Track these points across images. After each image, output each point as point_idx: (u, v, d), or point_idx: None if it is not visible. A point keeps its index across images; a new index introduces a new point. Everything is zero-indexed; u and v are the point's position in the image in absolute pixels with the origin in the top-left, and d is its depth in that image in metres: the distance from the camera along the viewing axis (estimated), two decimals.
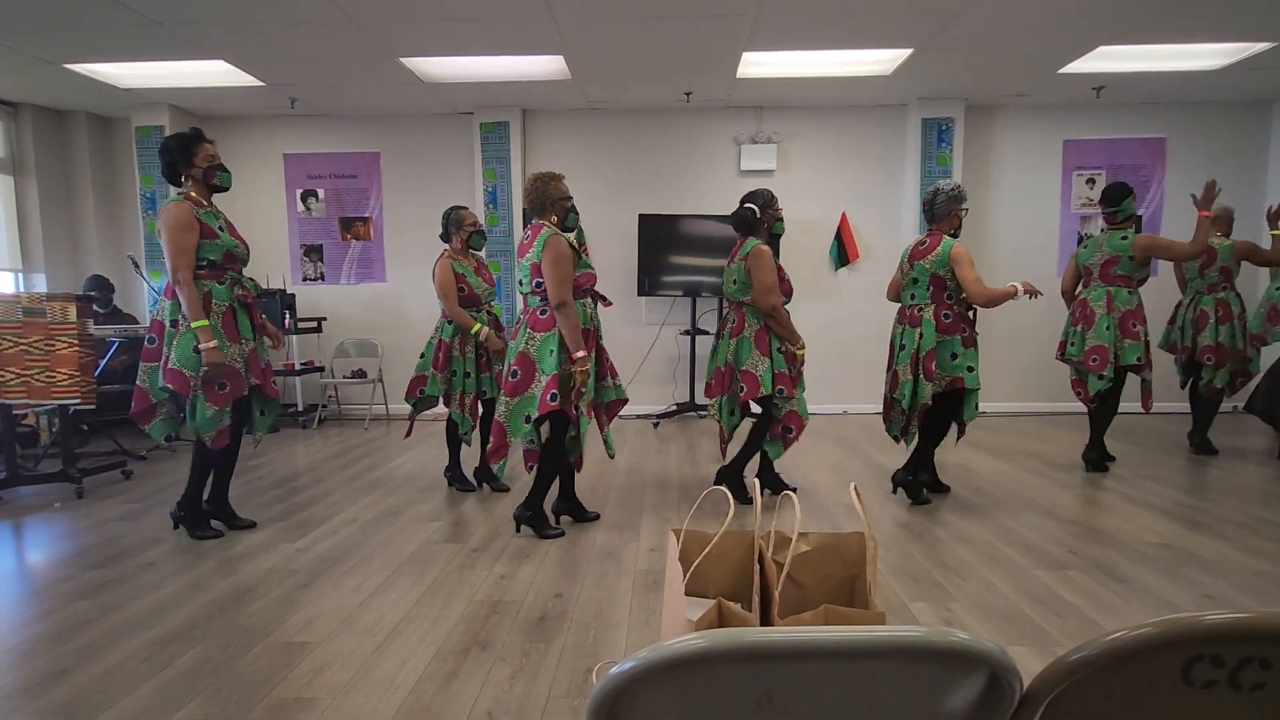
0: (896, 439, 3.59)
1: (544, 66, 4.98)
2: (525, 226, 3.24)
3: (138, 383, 2.98)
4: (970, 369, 3.37)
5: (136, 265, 5.58)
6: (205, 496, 3.19)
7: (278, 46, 4.52)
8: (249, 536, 3.16)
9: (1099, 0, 3.93)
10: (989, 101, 5.97)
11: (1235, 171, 6.06)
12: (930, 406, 3.39)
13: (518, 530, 3.19)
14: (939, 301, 3.39)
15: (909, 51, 4.74)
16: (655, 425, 5.77)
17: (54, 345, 3.62)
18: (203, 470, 3.11)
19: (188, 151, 2.89)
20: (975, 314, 3.47)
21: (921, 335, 3.37)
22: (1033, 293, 3.32)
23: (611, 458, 3.39)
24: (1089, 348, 3.98)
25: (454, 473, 3.93)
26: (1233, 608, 2.31)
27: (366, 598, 2.52)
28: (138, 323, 5.78)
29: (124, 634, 2.24)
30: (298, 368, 5.78)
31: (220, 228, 2.96)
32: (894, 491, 3.72)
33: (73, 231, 6.12)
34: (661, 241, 5.93)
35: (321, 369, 6.06)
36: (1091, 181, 6.12)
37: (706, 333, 6.07)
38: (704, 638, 0.70)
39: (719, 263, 5.94)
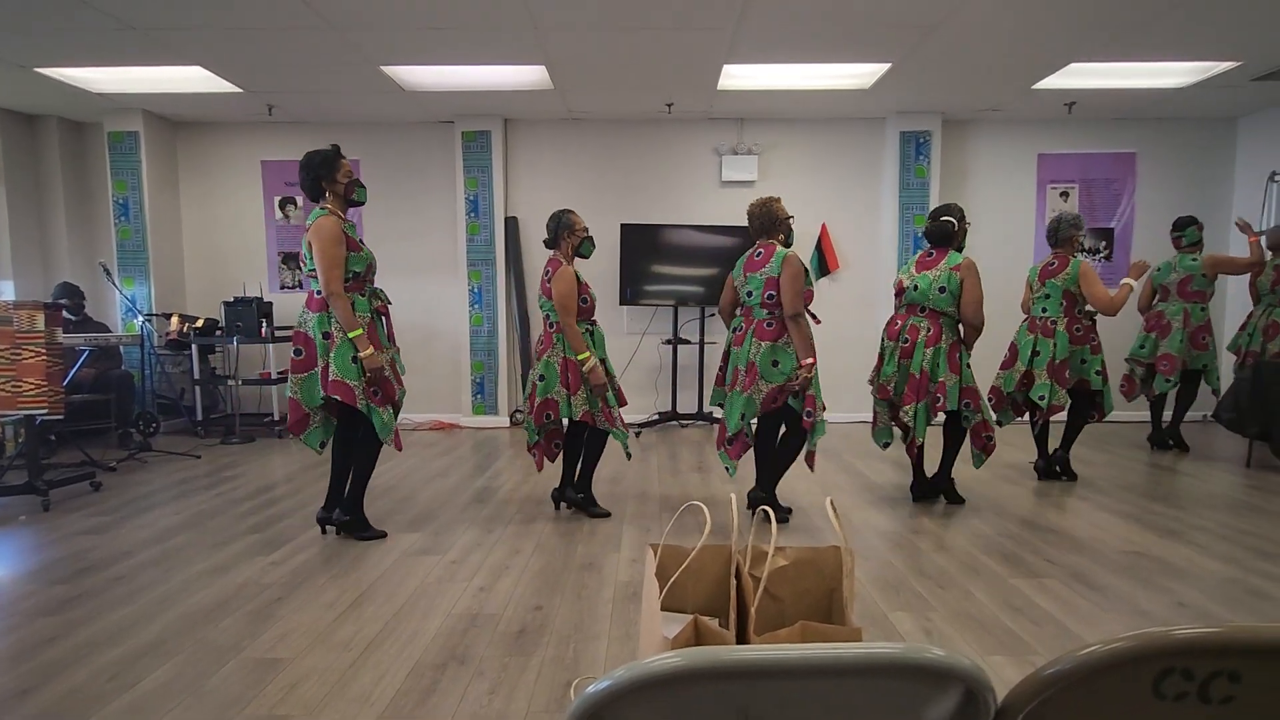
0: (999, 424, 4.08)
1: (525, 76, 4.98)
2: (747, 243, 3.42)
3: (289, 394, 3.04)
4: (1098, 372, 4.00)
5: (108, 273, 5.48)
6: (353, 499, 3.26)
7: (256, 53, 4.48)
8: (223, 550, 3.10)
9: (1070, 18, 4.02)
10: (965, 116, 6.07)
11: (1202, 186, 6.21)
12: (1064, 405, 4.00)
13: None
14: (1071, 315, 3.95)
15: (887, 66, 4.81)
16: (637, 434, 5.76)
17: (20, 354, 3.53)
18: (368, 473, 3.20)
19: (331, 167, 3.00)
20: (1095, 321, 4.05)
21: (1056, 345, 3.92)
22: (1142, 270, 3.88)
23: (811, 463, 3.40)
24: (1161, 354, 4.75)
25: (586, 495, 3.59)
26: (1203, 622, 2.36)
27: (342, 612, 2.47)
28: (109, 331, 5.68)
29: (90, 651, 2.18)
30: (274, 376, 5.70)
31: (360, 241, 3.06)
32: (1060, 477, 4.24)
33: (43, 238, 5.99)
34: (643, 251, 5.95)
35: None
36: (1065, 195, 6.24)
37: (688, 342, 6.09)
38: (680, 656, 0.69)
39: (701, 272, 5.98)
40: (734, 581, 0.89)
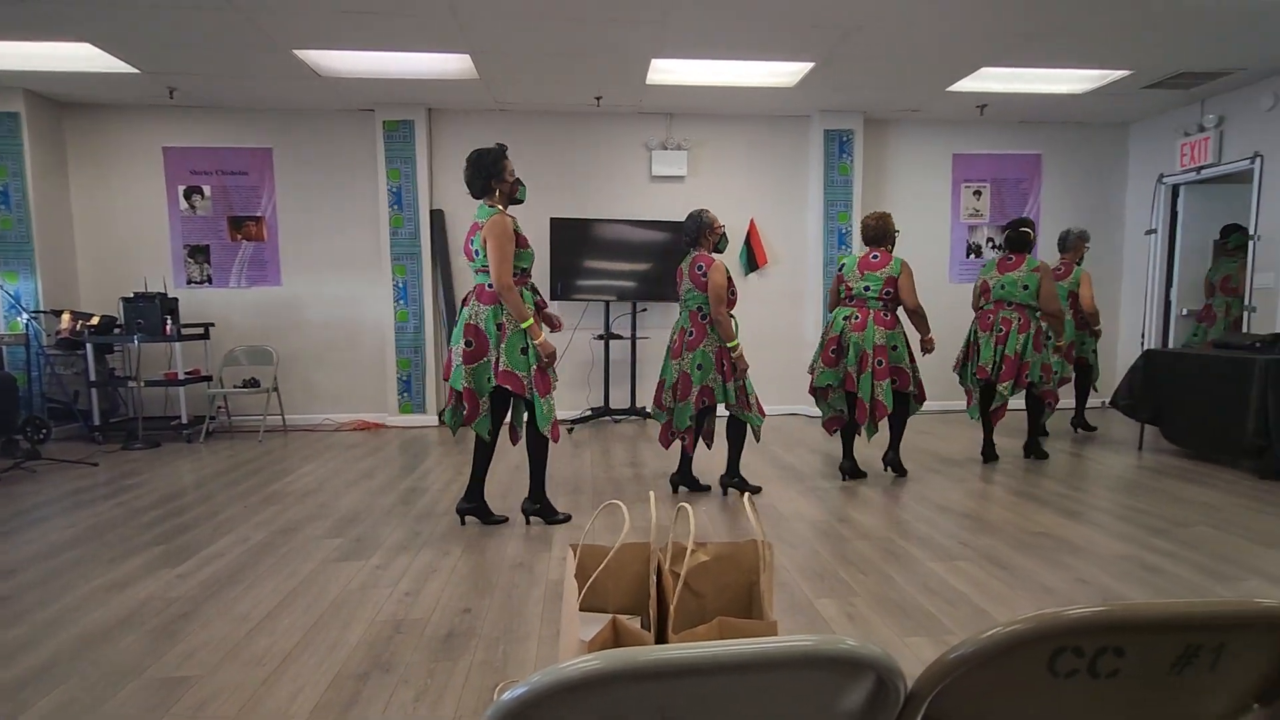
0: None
1: (449, 65, 4.85)
2: (871, 250, 4.03)
3: (465, 385, 3.11)
4: (1094, 350, 5.16)
5: None
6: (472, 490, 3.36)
7: (152, 30, 4.19)
8: (123, 564, 2.90)
9: (980, 24, 4.21)
10: (885, 115, 6.28)
11: (1100, 187, 6.64)
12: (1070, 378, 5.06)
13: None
14: (1074, 309, 4.97)
15: (811, 65, 4.91)
16: (570, 431, 5.72)
17: None
18: (544, 460, 3.32)
19: (499, 165, 3.12)
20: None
21: (1064, 331, 4.66)
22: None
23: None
24: (1208, 340, 5.43)
25: (740, 479, 3.85)
26: (1101, 597, 2.52)
27: (257, 624, 2.35)
28: None
29: None
30: (181, 377, 5.36)
31: (526, 238, 3.17)
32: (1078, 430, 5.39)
33: None
34: (574, 246, 5.90)
35: (208, 378, 5.65)
36: (978, 193, 6.55)
37: (620, 337, 6.09)
38: (597, 659, 0.68)
39: (632, 267, 5.98)
40: (654, 579, 0.89)
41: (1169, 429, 4.70)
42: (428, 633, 2.29)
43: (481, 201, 3.15)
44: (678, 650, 0.68)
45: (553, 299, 5.99)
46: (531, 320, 3.08)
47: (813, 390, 4.08)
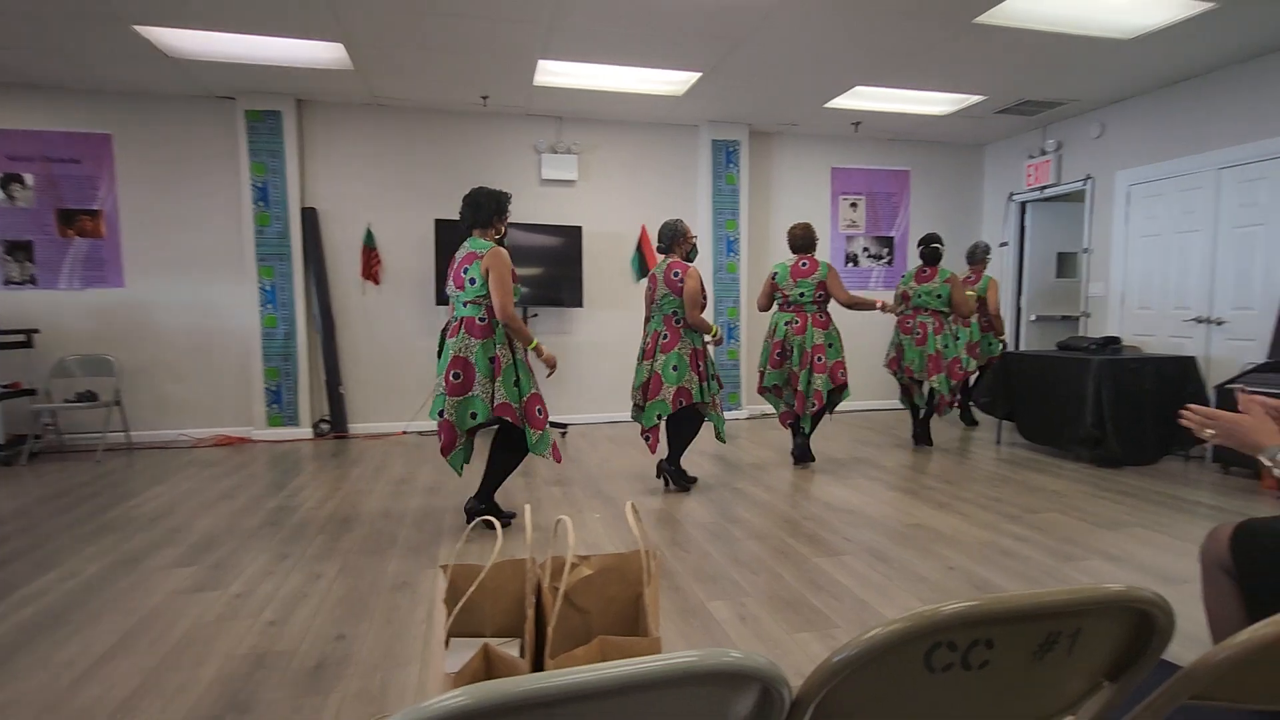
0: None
1: (321, 53, 4.54)
2: (801, 258, 4.43)
3: (445, 416, 3.12)
4: (1003, 345, 5.77)
5: None
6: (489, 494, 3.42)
7: None
8: None
9: (851, 45, 4.45)
10: (769, 128, 6.51)
11: (958, 203, 7.20)
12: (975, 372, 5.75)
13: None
14: (982, 311, 5.63)
15: (698, 75, 5.00)
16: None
17: None
18: (505, 472, 3.36)
19: (506, 208, 3.28)
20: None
21: (971, 331, 5.56)
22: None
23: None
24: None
25: (678, 469, 4.06)
26: (968, 581, 2.68)
27: (85, 671, 2.06)
28: None
29: None
30: (0, 391, 4.69)
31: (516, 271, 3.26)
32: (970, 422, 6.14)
33: None
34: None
35: (32, 392, 4.98)
36: (854, 205, 6.92)
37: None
38: (462, 694, 0.62)
39: (524, 271, 5.84)
40: (532, 599, 0.82)
41: (1022, 424, 5.14)
42: (295, 665, 2.10)
43: (473, 234, 3.27)
44: (553, 678, 0.63)
45: (438, 304, 5.76)
46: (536, 341, 3.24)
47: (762, 390, 4.51)
